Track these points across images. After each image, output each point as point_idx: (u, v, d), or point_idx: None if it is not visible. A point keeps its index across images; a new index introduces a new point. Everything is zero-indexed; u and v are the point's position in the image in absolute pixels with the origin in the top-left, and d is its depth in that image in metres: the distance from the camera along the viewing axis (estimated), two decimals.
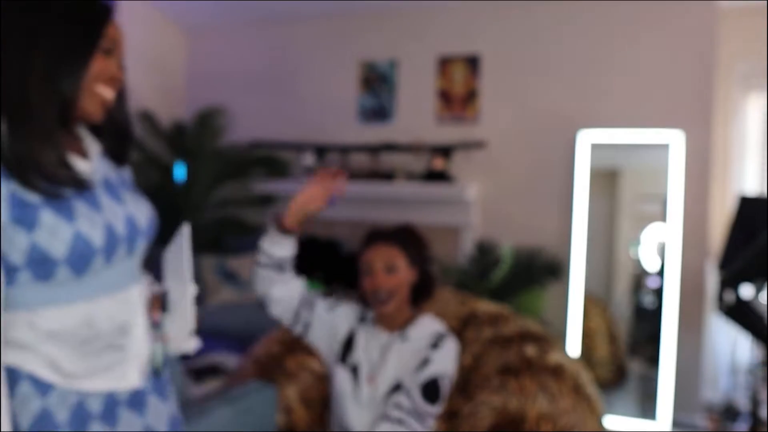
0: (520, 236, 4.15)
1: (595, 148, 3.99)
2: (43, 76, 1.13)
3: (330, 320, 2.02)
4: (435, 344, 1.93)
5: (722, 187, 3.98)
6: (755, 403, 3.38)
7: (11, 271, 1.12)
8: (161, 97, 5.17)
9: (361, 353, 1.97)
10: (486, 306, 2.45)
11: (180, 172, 4.90)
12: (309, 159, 4.64)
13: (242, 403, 2.00)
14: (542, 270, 3.93)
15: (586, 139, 4.00)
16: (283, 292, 1.94)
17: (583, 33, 4.10)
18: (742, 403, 3.61)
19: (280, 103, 5.00)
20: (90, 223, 1.16)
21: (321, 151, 4.65)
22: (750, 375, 3.52)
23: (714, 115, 3.81)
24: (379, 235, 1.99)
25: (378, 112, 4.67)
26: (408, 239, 1.99)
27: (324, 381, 2.30)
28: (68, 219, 1.13)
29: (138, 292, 1.27)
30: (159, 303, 1.33)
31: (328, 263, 4.25)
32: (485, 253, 4.03)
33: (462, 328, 2.36)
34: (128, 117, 1.34)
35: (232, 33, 5.22)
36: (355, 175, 4.48)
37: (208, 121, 4.89)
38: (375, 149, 4.49)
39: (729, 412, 3.59)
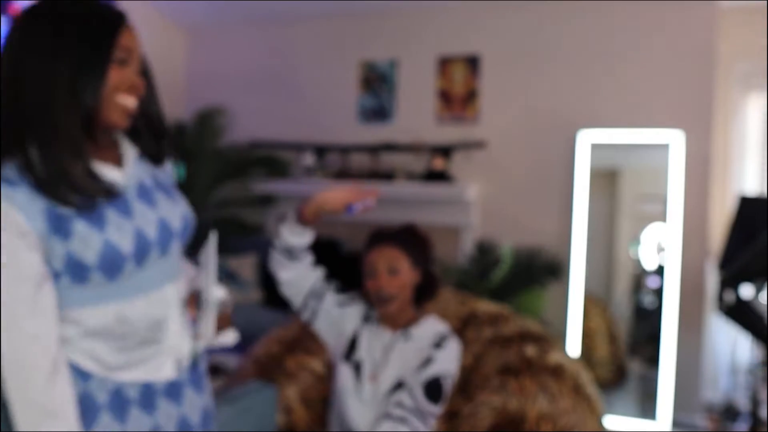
0: (520, 236, 4.15)
1: (595, 148, 3.99)
2: (66, 91, 1.18)
3: (338, 316, 2.02)
4: (438, 344, 1.93)
5: (722, 187, 3.98)
6: (755, 403, 3.39)
7: (54, 276, 1.22)
8: (161, 97, 5.16)
9: (363, 352, 1.98)
10: (486, 306, 2.45)
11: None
12: (309, 159, 4.64)
13: (242, 403, 2.00)
14: (542, 270, 3.93)
15: (586, 139, 4.00)
16: (291, 277, 1.95)
17: (582, 33, 4.10)
18: (742, 403, 3.61)
19: (280, 103, 5.00)
20: (119, 230, 1.24)
21: (321, 151, 4.65)
22: (750, 375, 3.52)
23: (714, 115, 3.81)
24: (382, 237, 1.99)
25: (378, 112, 4.67)
26: (411, 240, 1.99)
27: (324, 381, 2.31)
28: (99, 228, 1.22)
29: (174, 289, 1.33)
30: (194, 301, 1.38)
31: (327, 263, 4.24)
32: (485, 253, 4.03)
33: (462, 328, 2.36)
34: (161, 116, 1.40)
35: (232, 33, 5.22)
36: (355, 175, 4.48)
37: (208, 121, 4.89)
38: (375, 149, 4.49)
39: (729, 412, 3.59)
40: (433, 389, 1.86)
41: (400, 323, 1.99)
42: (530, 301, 3.90)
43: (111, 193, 1.23)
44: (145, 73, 1.33)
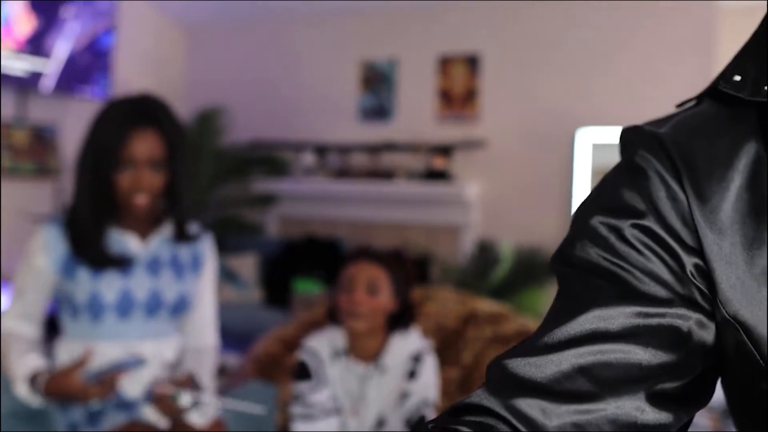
0: (520, 235, 4.15)
1: (596, 147, 3.99)
2: (89, 181, 1.55)
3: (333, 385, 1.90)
4: (412, 373, 1.82)
5: None
6: None
7: (56, 304, 1.61)
8: (161, 97, 5.16)
9: (338, 388, 1.87)
10: (486, 305, 2.46)
11: None
12: (309, 158, 4.65)
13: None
14: (542, 269, 3.93)
15: (586, 139, 4.00)
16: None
17: (583, 32, 4.10)
18: None
19: (280, 103, 5.00)
20: (109, 285, 1.56)
21: (321, 150, 4.66)
22: None
23: None
24: (367, 253, 1.84)
25: (378, 112, 4.67)
26: (397, 266, 1.84)
27: None
28: (94, 278, 1.55)
29: (154, 346, 1.60)
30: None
31: (328, 263, 4.25)
32: (485, 251, 4.03)
33: (462, 326, 2.36)
34: (184, 201, 1.66)
35: (232, 33, 5.22)
36: (355, 174, 4.48)
37: (208, 121, 4.89)
38: (375, 148, 4.49)
39: (729, 412, 3.58)
40: (418, 424, 1.77)
41: (371, 351, 1.86)
42: (530, 299, 3.90)
43: (118, 264, 1.56)
44: (174, 158, 1.58)
